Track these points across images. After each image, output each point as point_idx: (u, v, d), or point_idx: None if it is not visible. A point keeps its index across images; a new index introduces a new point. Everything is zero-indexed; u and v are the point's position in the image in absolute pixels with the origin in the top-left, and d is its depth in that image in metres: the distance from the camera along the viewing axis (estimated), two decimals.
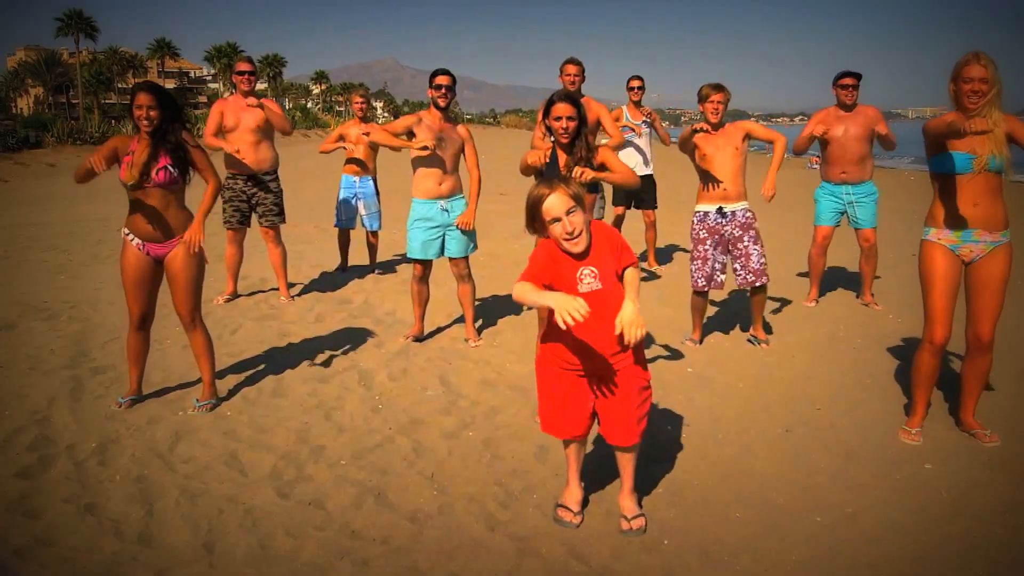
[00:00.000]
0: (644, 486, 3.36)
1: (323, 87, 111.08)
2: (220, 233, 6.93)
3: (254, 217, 6.66)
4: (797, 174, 23.45)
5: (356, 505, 3.25)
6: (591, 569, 2.83)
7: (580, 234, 2.85)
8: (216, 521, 3.10)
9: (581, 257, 2.90)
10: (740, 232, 5.19)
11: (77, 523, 3.05)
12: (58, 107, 69.23)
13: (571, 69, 5.61)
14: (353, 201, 7.85)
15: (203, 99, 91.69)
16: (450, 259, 5.47)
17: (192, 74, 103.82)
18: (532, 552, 2.92)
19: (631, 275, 2.95)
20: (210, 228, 4.61)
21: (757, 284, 5.22)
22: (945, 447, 3.81)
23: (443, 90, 5.28)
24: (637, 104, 7.94)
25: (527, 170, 4.32)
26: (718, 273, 5.30)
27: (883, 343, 5.47)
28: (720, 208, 5.19)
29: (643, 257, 8.28)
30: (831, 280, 7.44)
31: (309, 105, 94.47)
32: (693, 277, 5.30)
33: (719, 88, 5.13)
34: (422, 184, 5.34)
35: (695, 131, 5.15)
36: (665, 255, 9.06)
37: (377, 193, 7.95)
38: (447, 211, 5.36)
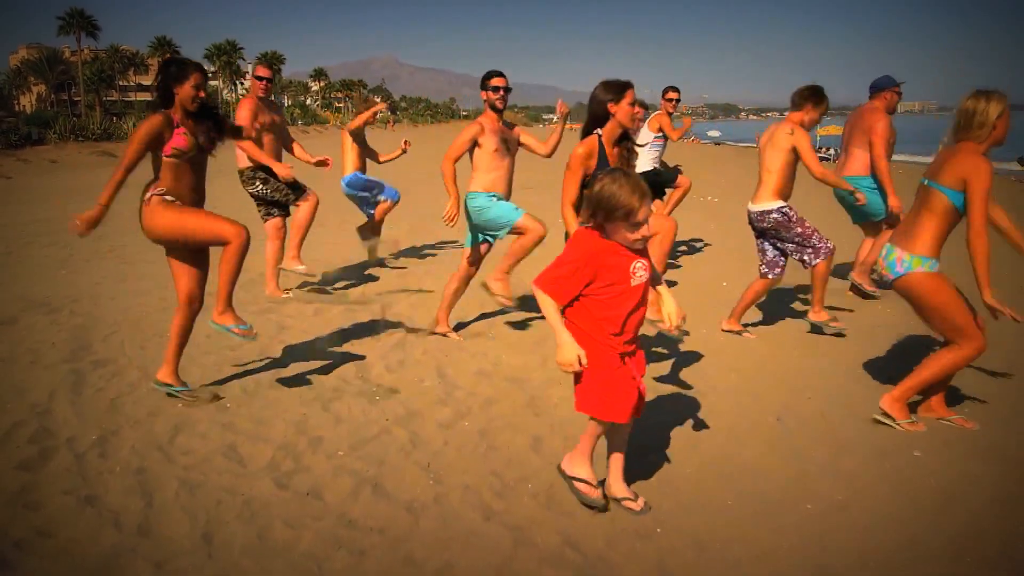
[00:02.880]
0: (637, 476, 3.39)
1: (322, 84, 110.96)
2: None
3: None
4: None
5: (353, 495, 3.28)
6: (585, 558, 2.86)
7: (645, 244, 2.92)
8: (215, 512, 3.13)
9: (639, 251, 2.93)
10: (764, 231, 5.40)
11: (77, 515, 3.09)
12: (60, 104, 69.27)
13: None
14: (366, 189, 7.85)
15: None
16: (480, 246, 5.45)
17: None
18: (527, 541, 2.96)
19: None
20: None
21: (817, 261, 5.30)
22: (934, 436, 3.85)
23: (501, 92, 5.20)
24: (670, 115, 8.05)
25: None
26: (775, 265, 5.43)
27: (874, 334, 5.49)
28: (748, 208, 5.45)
29: None
30: None
31: (308, 102, 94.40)
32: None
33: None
34: (484, 178, 5.26)
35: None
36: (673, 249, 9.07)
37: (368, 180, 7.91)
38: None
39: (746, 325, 5.69)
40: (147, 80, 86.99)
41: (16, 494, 3.23)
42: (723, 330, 5.61)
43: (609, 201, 2.78)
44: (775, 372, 4.79)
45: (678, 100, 8.17)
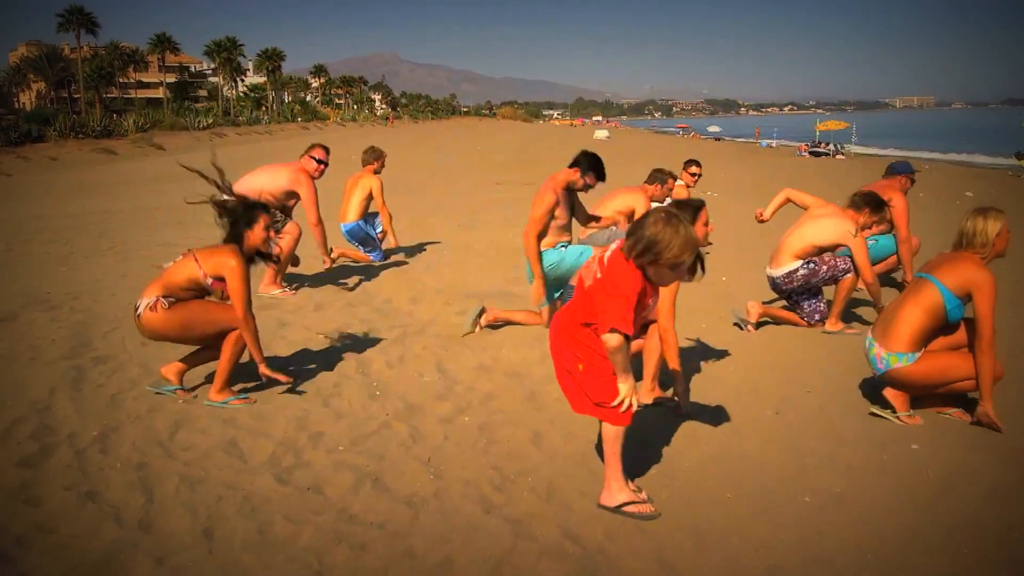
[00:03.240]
0: (636, 469, 3.40)
1: (322, 80, 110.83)
2: None
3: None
4: (791, 161, 23.45)
5: (354, 490, 3.29)
6: (585, 550, 2.87)
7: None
8: (215, 507, 3.14)
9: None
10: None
11: (78, 511, 3.10)
12: (60, 102, 69.21)
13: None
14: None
15: (203, 92, 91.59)
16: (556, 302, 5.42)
17: (193, 68, 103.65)
18: (527, 535, 2.97)
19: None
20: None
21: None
22: (932, 428, 3.86)
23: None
24: (689, 188, 8.21)
25: None
26: (816, 311, 5.62)
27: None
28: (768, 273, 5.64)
29: None
30: None
31: (308, 99, 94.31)
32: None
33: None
34: (549, 236, 5.32)
35: None
36: None
37: (370, 233, 7.91)
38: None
39: (744, 323, 5.69)
40: (147, 77, 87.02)
41: (17, 490, 3.24)
42: (826, 332, 5.60)
43: (660, 245, 2.76)
44: (774, 366, 4.80)
45: (699, 175, 8.24)
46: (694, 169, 8.29)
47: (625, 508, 3.10)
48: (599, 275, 2.92)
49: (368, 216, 7.82)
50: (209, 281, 4.11)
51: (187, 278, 4.11)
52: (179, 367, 4.37)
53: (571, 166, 5.24)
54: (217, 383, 4.21)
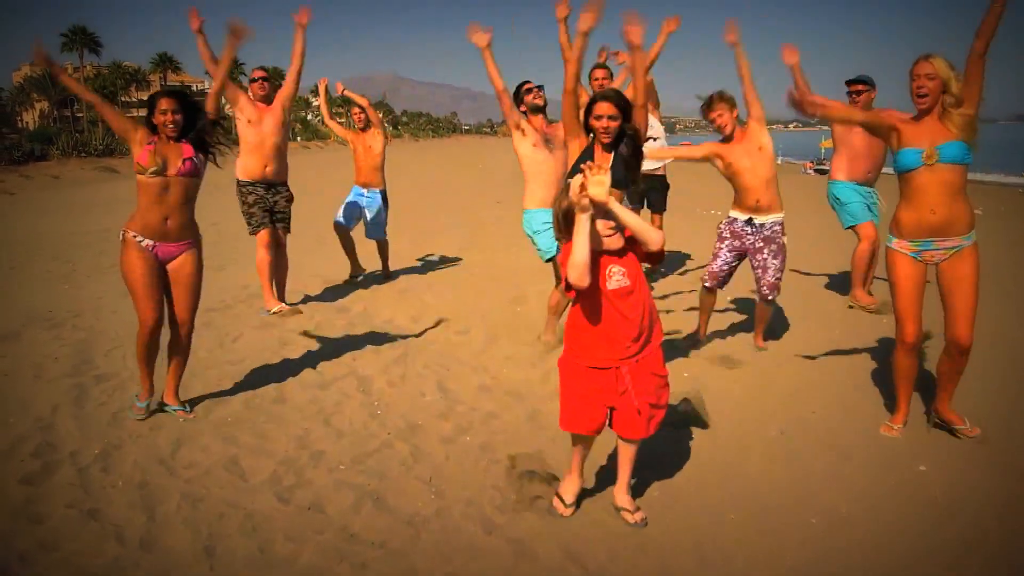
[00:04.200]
0: (640, 488, 3.39)
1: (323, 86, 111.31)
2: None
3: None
4: (797, 179, 23.51)
5: (355, 509, 3.29)
6: (587, 571, 2.86)
7: (614, 234, 2.89)
8: (217, 526, 3.14)
9: (614, 254, 2.93)
10: (762, 244, 5.16)
11: (80, 528, 3.10)
12: (63, 121, 69.55)
13: (598, 73, 6.19)
14: (357, 207, 7.91)
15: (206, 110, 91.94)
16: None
17: (194, 87, 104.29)
18: (529, 555, 2.96)
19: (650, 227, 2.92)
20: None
21: (769, 297, 5.25)
22: (939, 449, 3.84)
23: (534, 90, 5.31)
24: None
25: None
26: (726, 275, 5.36)
27: (878, 346, 5.49)
28: (750, 219, 5.15)
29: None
30: (826, 284, 7.48)
31: (309, 117, 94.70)
32: (707, 272, 5.38)
33: (717, 99, 5.05)
34: (538, 194, 5.29)
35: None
36: (670, 262, 9.09)
37: (385, 205, 7.98)
38: None
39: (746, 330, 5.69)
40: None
41: (20, 507, 3.24)
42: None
43: (565, 216, 2.88)
44: (778, 384, 4.80)
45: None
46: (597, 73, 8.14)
47: (554, 499, 3.29)
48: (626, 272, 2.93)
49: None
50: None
51: None
52: (148, 387, 4.34)
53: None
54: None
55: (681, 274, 8.32)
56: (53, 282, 8.00)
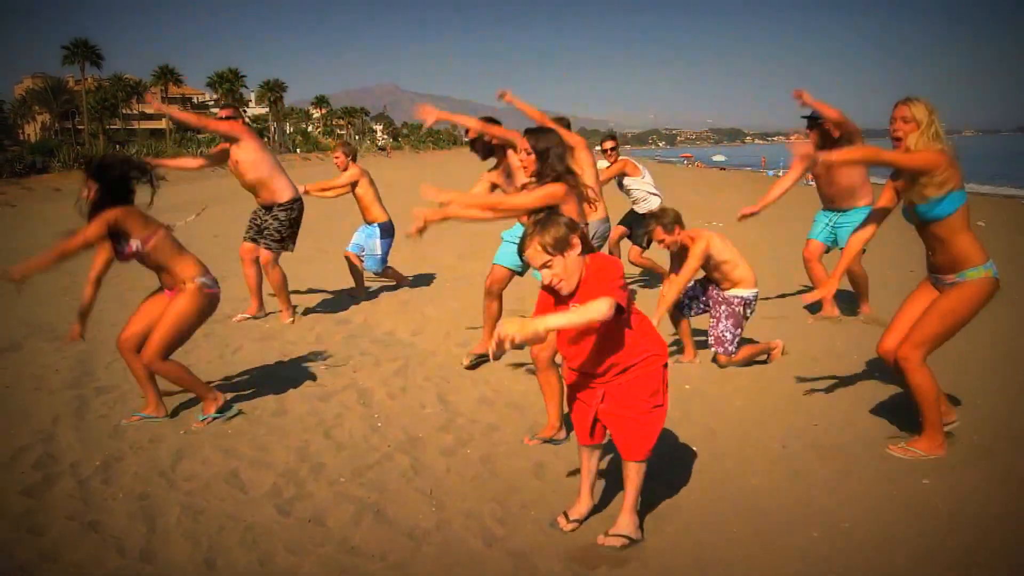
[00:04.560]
0: (641, 501, 3.38)
1: (324, 111, 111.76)
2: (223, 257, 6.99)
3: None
4: (799, 191, 23.57)
5: (355, 522, 3.28)
6: None
7: (560, 283, 2.89)
8: (217, 538, 3.13)
9: (569, 296, 2.94)
10: (721, 302, 5.35)
11: (80, 540, 3.09)
12: (64, 133, 69.83)
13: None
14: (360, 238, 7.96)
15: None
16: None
17: (195, 100, 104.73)
18: (529, 567, 2.95)
19: (582, 307, 2.78)
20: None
21: (718, 351, 5.33)
22: (942, 461, 3.82)
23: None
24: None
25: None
26: (685, 301, 5.47)
27: (880, 358, 5.48)
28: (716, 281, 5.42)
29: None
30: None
31: (310, 129, 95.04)
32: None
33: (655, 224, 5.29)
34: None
35: None
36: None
37: (384, 238, 7.89)
38: None
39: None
40: (150, 109, 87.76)
41: (21, 518, 3.24)
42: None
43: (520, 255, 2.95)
44: (780, 396, 4.79)
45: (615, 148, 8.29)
46: (606, 144, 8.36)
47: (559, 515, 3.24)
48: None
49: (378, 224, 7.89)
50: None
51: None
52: (152, 399, 4.42)
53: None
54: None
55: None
56: (54, 294, 8.00)
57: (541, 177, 3.94)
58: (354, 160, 7.86)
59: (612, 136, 8.47)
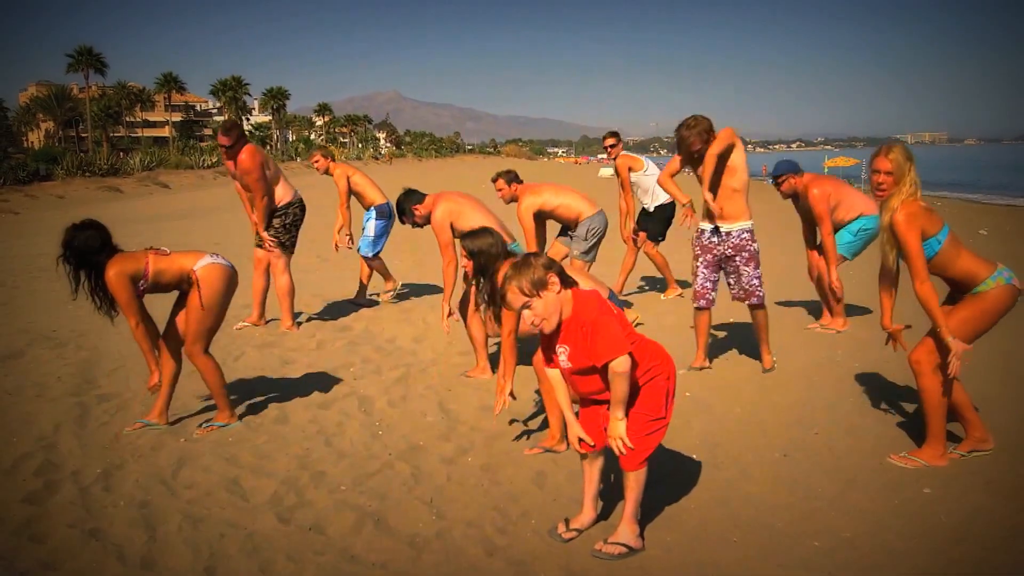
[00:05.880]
0: (643, 510, 3.37)
1: (326, 119, 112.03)
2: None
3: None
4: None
5: (356, 530, 3.28)
6: None
7: (541, 323, 2.94)
8: (218, 546, 3.13)
9: (556, 334, 3.00)
10: (732, 252, 5.26)
11: (81, 548, 3.09)
12: (68, 141, 70.08)
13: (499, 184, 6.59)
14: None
15: (208, 131, 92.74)
16: None
17: (198, 107, 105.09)
18: None
19: (613, 385, 2.92)
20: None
21: (747, 302, 5.31)
22: (944, 471, 3.81)
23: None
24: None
25: None
26: (709, 291, 5.38)
27: (881, 368, 5.48)
28: (716, 227, 5.26)
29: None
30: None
31: (312, 137, 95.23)
32: (694, 292, 5.40)
33: (689, 126, 5.14)
34: None
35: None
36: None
37: (379, 219, 7.89)
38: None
39: (747, 356, 5.69)
40: (153, 116, 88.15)
41: (22, 526, 3.24)
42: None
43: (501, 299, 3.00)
44: (781, 405, 4.79)
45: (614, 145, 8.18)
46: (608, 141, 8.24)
47: (559, 522, 3.25)
48: (568, 348, 2.99)
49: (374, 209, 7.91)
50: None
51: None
52: (159, 406, 4.45)
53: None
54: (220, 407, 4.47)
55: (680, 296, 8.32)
56: (57, 302, 8.01)
57: (484, 273, 4.12)
58: (333, 160, 7.94)
59: (614, 133, 8.38)
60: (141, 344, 4.26)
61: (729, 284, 5.39)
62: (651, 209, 8.05)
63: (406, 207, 5.84)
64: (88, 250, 4.13)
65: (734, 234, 5.24)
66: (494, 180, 6.78)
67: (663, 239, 8.17)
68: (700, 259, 5.35)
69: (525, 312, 2.91)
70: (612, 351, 2.85)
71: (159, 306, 4.51)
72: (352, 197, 7.87)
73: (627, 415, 3.00)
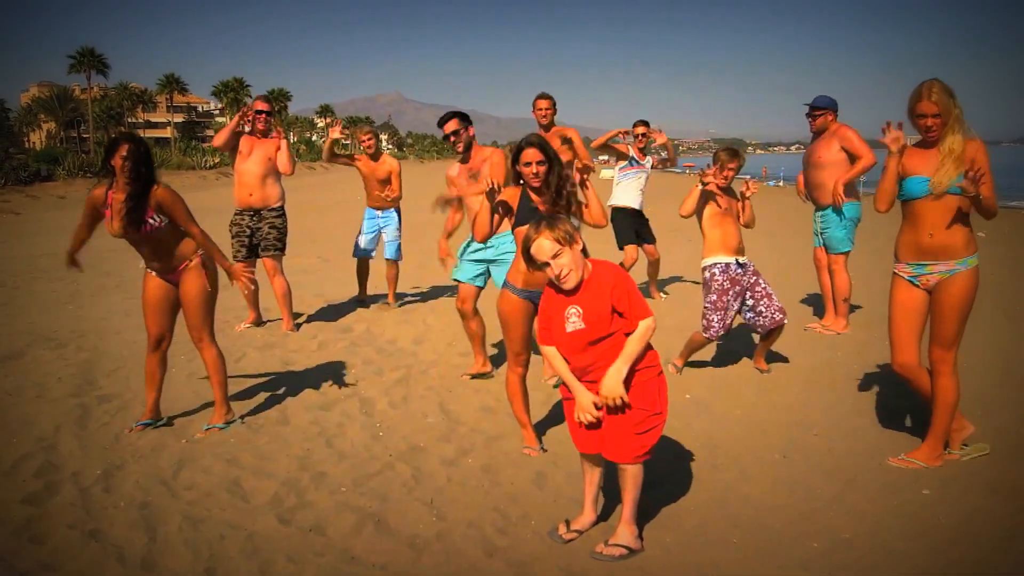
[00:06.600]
0: (641, 510, 3.37)
1: (328, 121, 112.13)
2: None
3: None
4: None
5: (356, 531, 3.28)
6: None
7: (568, 273, 2.99)
8: (218, 547, 3.13)
9: (571, 293, 3.03)
10: (755, 278, 5.34)
11: (81, 549, 3.09)
12: (69, 141, 70.08)
13: (542, 104, 6.41)
14: (374, 232, 7.82)
15: (210, 132, 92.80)
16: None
17: (200, 108, 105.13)
18: None
19: (632, 338, 2.99)
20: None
21: (780, 324, 5.34)
22: (943, 472, 3.82)
23: (450, 137, 5.44)
24: (642, 150, 8.19)
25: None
26: (731, 321, 5.39)
27: (880, 369, 5.48)
28: (738, 260, 5.30)
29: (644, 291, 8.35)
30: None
31: (314, 139, 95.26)
32: (712, 326, 5.25)
33: (735, 155, 5.34)
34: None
35: (707, 193, 5.28)
36: (662, 283, 9.11)
37: (399, 224, 7.86)
38: (492, 246, 5.25)
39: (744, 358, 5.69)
40: (155, 117, 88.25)
41: (22, 527, 3.25)
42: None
43: (525, 251, 3.04)
44: (780, 407, 4.79)
45: (645, 135, 8.15)
46: (637, 129, 8.22)
47: (560, 523, 3.25)
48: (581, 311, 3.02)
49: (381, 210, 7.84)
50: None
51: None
52: (149, 408, 4.45)
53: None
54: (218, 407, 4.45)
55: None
56: (57, 302, 8.04)
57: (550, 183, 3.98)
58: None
59: (644, 121, 8.28)
60: (208, 247, 4.33)
61: (750, 317, 5.36)
62: (635, 203, 8.12)
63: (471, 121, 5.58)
64: (152, 158, 4.20)
65: (749, 264, 5.38)
66: (541, 98, 6.66)
67: (639, 243, 8.12)
68: (730, 292, 5.26)
69: (553, 262, 2.97)
70: (646, 311, 3.00)
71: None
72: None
73: (623, 413, 3.02)
